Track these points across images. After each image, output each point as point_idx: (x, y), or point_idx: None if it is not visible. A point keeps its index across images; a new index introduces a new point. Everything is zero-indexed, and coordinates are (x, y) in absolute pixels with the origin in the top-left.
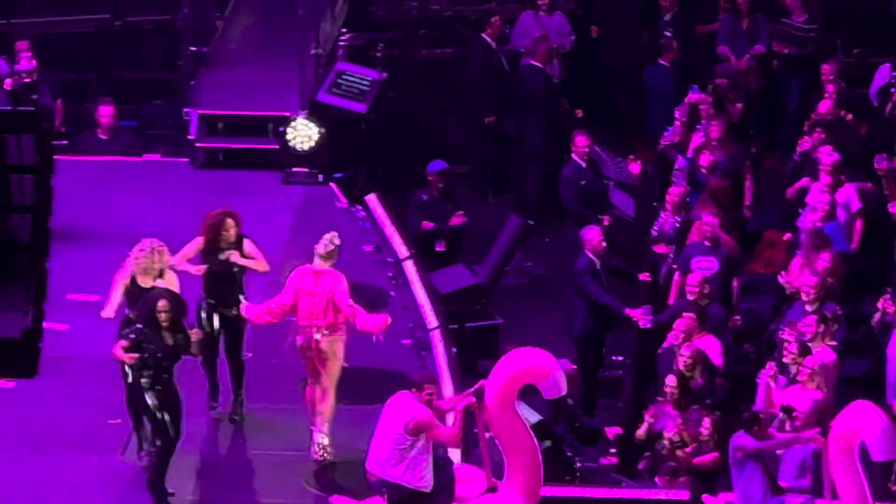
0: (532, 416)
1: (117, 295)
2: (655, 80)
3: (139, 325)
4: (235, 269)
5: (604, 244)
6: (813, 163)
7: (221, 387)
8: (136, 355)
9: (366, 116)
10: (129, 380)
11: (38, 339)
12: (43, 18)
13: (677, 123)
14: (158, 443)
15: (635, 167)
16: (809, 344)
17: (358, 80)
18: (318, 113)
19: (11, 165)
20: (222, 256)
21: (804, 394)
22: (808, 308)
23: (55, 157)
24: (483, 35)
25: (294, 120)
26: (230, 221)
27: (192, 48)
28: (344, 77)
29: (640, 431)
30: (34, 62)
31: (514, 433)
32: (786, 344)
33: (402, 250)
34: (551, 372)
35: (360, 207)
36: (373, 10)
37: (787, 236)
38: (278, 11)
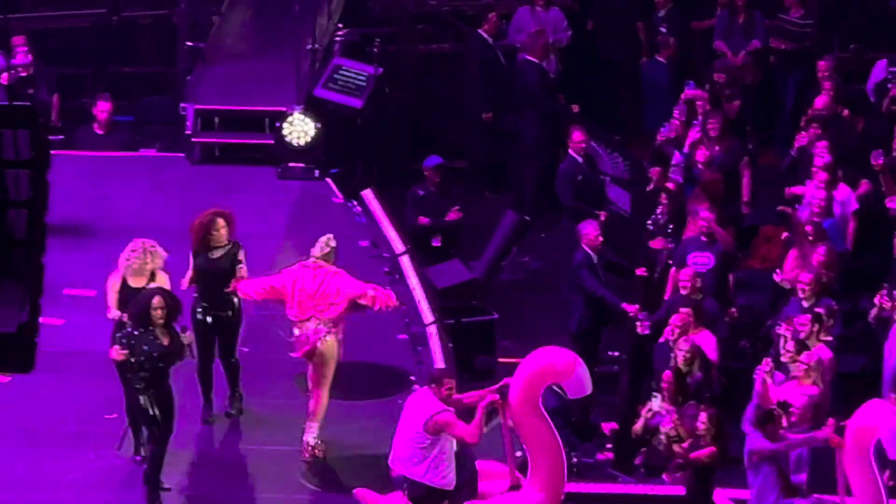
0: None
1: (113, 296)
2: (652, 77)
3: (129, 329)
4: (225, 266)
5: (601, 239)
6: (809, 159)
7: (216, 398)
8: (131, 357)
9: (362, 112)
10: (127, 383)
11: (34, 334)
12: (40, 13)
13: (674, 119)
14: (152, 445)
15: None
16: (805, 342)
17: (354, 76)
18: (314, 108)
19: (7, 160)
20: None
21: (800, 389)
22: (805, 304)
23: (51, 151)
24: (480, 31)
25: (290, 115)
26: (220, 221)
27: (189, 43)
28: (340, 72)
29: (637, 427)
30: (30, 56)
31: (537, 431)
32: (782, 341)
33: (398, 245)
34: (574, 370)
35: (356, 203)
36: (369, 5)
37: (785, 235)
38: (275, 7)
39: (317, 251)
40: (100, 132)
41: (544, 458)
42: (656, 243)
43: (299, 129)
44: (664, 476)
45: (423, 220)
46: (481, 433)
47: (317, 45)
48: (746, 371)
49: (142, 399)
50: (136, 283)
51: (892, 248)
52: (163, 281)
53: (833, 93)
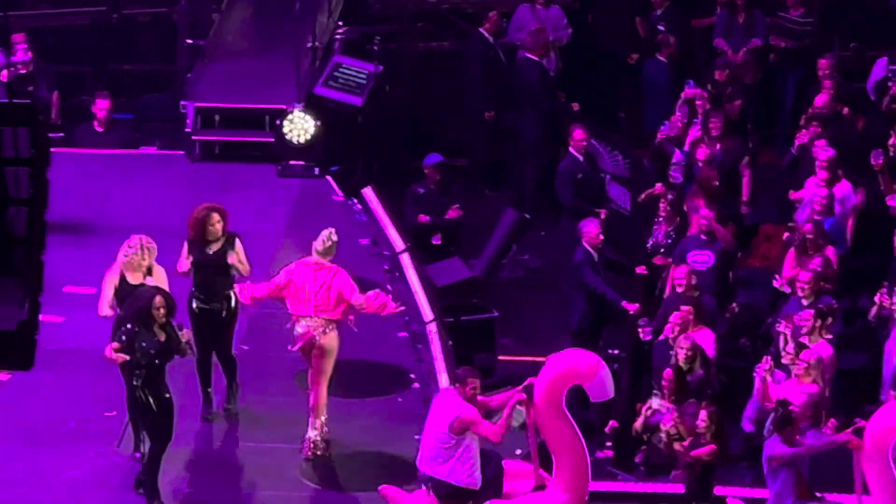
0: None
1: (109, 292)
2: (652, 76)
3: (129, 325)
4: (223, 260)
5: (601, 237)
6: (810, 157)
7: (216, 396)
8: (127, 357)
9: (362, 109)
10: (126, 380)
11: (34, 332)
12: (40, 11)
13: (675, 118)
14: (150, 443)
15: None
16: (806, 338)
17: (355, 74)
18: (314, 106)
19: (7, 158)
20: (210, 250)
21: (799, 387)
22: (804, 302)
23: (51, 149)
24: (480, 30)
25: (291, 113)
26: (216, 216)
27: (189, 41)
28: (341, 70)
29: (637, 425)
30: (30, 54)
31: (561, 433)
32: (782, 340)
33: (398, 243)
34: (598, 372)
35: (356, 200)
36: (370, 3)
37: (786, 235)
38: (275, 4)
39: (319, 245)
40: (100, 130)
41: (568, 459)
42: (659, 260)
43: (299, 126)
44: (673, 473)
45: (424, 218)
46: (505, 432)
47: (317, 43)
48: (746, 369)
49: (140, 396)
50: (134, 279)
51: (891, 246)
52: (160, 276)
53: (833, 91)
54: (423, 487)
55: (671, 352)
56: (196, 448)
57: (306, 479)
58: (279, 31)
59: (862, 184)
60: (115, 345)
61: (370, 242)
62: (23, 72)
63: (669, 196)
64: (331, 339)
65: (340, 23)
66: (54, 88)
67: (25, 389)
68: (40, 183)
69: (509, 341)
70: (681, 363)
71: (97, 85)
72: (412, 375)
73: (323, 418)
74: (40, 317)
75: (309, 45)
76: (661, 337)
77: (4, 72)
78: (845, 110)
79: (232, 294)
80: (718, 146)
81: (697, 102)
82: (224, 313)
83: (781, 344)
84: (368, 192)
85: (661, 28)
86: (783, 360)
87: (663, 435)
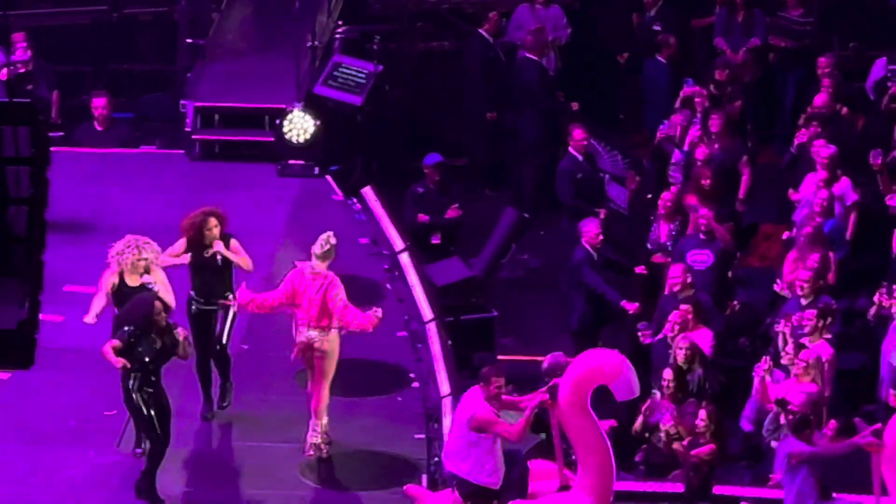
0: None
1: (102, 298)
2: (652, 76)
3: (129, 327)
4: (220, 262)
5: (601, 237)
6: (809, 156)
7: (216, 396)
8: (125, 360)
9: (362, 109)
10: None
11: (34, 331)
12: (40, 10)
13: (674, 118)
14: (148, 445)
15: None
16: (807, 337)
17: (354, 73)
18: (314, 105)
19: (7, 157)
20: (207, 254)
21: (799, 387)
22: (803, 301)
23: (51, 148)
24: (480, 31)
25: (290, 112)
26: (213, 220)
27: (189, 40)
28: (340, 69)
29: (636, 424)
30: (30, 53)
31: (585, 434)
32: (781, 340)
33: (397, 243)
34: (622, 373)
35: (356, 200)
36: (369, 3)
37: (786, 235)
38: (275, 4)
39: (317, 249)
40: (100, 129)
41: (593, 460)
42: (659, 258)
43: (299, 126)
44: (677, 472)
45: (423, 217)
46: (525, 432)
47: (317, 43)
48: (745, 369)
49: (135, 398)
50: (132, 280)
51: (891, 246)
52: (158, 275)
53: (833, 91)
54: (449, 487)
55: (670, 351)
56: (195, 448)
57: (306, 478)
58: (279, 31)
59: (861, 184)
60: (115, 343)
61: (370, 242)
62: (23, 71)
63: (667, 193)
64: (332, 342)
65: (340, 22)
66: (54, 88)
67: (25, 389)
68: (40, 182)
69: (509, 341)
70: (680, 363)
71: (97, 84)
72: (412, 375)
73: (325, 420)
74: (40, 316)
75: (308, 44)
76: (660, 336)
77: (4, 71)
78: (845, 110)
79: (230, 295)
80: (717, 145)
81: (696, 100)
82: (224, 315)
83: (780, 344)
84: (368, 191)
85: (656, 28)
86: (782, 360)
87: (663, 434)
